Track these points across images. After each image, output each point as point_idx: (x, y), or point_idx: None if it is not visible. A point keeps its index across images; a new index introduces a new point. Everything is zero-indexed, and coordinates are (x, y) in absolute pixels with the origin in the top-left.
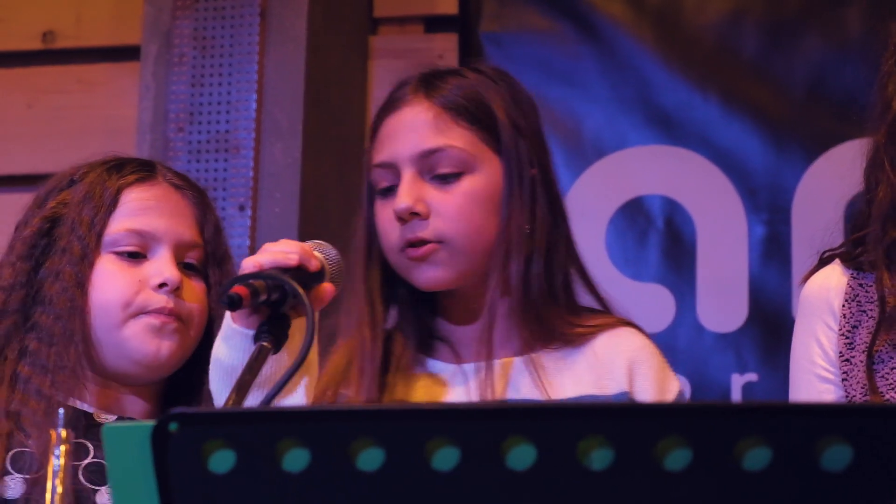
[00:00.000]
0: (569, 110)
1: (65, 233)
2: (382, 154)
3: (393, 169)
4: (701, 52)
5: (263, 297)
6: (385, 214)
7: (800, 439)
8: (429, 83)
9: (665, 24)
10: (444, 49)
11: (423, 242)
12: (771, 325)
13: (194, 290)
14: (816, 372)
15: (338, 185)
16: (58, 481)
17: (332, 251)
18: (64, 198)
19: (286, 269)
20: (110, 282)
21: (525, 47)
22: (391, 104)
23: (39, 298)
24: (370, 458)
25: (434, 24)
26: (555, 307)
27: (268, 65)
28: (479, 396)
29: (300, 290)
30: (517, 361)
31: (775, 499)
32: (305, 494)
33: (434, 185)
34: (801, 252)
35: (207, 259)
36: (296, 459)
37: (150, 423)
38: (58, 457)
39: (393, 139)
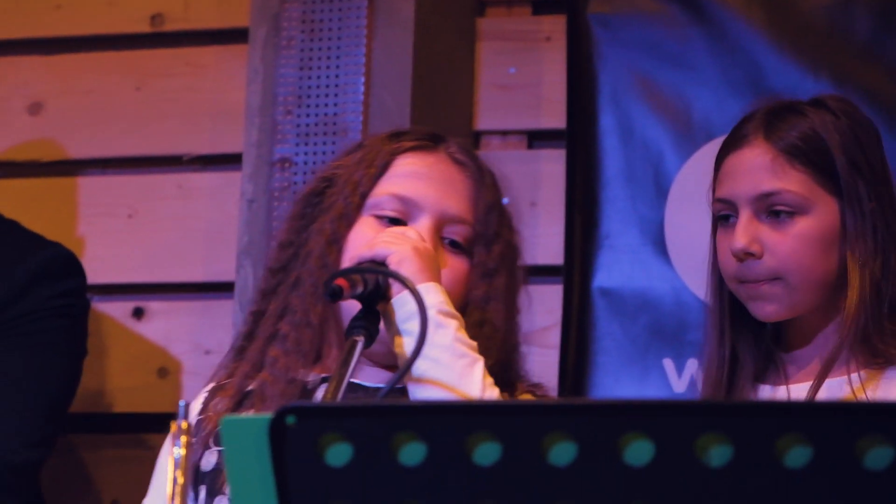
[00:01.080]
0: (678, 93)
1: (335, 192)
2: (723, 190)
3: (731, 205)
4: (813, 34)
5: (360, 289)
6: (724, 244)
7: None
8: (769, 124)
9: (776, 6)
10: (552, 31)
11: (757, 280)
12: None
13: (450, 265)
14: None
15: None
16: (179, 472)
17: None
18: (344, 161)
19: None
20: (361, 244)
21: (634, 29)
22: (735, 142)
23: (303, 255)
24: (487, 453)
25: (542, 5)
26: (881, 331)
27: (375, 48)
28: None
29: (397, 274)
30: (844, 381)
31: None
32: (422, 488)
33: (769, 224)
34: None
35: (475, 238)
36: (412, 453)
37: (268, 416)
38: (179, 446)
39: (733, 178)
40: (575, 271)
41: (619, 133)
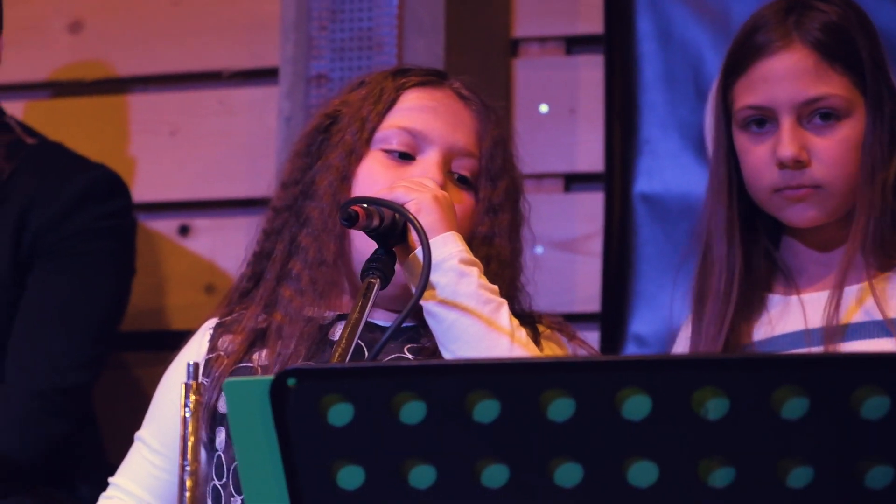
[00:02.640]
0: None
1: (341, 128)
2: (758, 97)
3: (769, 112)
4: None
5: (376, 223)
6: (758, 154)
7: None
8: (798, 23)
9: None
10: None
11: (801, 187)
12: None
13: (459, 202)
14: None
15: (481, 79)
16: (189, 432)
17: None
18: (348, 97)
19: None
20: (371, 178)
21: None
22: (764, 48)
23: (311, 192)
24: (486, 410)
25: None
26: (893, 235)
27: None
28: (824, 323)
29: (415, 220)
30: (858, 288)
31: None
32: (423, 445)
33: (812, 131)
34: None
35: (481, 173)
36: (413, 412)
37: (269, 378)
38: (188, 407)
39: (771, 83)
40: (615, 178)
41: (658, 36)
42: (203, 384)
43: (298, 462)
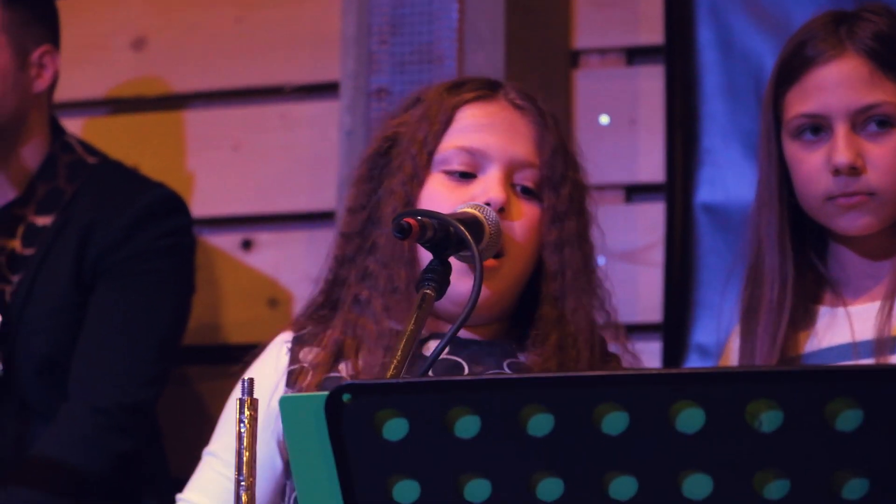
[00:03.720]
0: (778, 1)
1: (400, 152)
2: (812, 105)
3: (823, 120)
4: None
5: (430, 235)
6: (811, 162)
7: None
8: (850, 32)
9: None
10: None
11: (855, 194)
12: None
13: (524, 213)
14: None
15: (544, 90)
16: (245, 446)
17: (493, 214)
18: (405, 118)
19: (462, 221)
20: (434, 201)
21: None
22: (817, 57)
23: (377, 218)
24: (540, 424)
25: None
26: None
27: None
28: (875, 336)
29: (468, 236)
30: None
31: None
32: (478, 459)
33: (866, 138)
34: None
35: (543, 182)
36: (467, 426)
37: (324, 393)
38: (243, 423)
39: (825, 92)
40: (677, 188)
41: (719, 46)
42: (257, 400)
43: (354, 477)
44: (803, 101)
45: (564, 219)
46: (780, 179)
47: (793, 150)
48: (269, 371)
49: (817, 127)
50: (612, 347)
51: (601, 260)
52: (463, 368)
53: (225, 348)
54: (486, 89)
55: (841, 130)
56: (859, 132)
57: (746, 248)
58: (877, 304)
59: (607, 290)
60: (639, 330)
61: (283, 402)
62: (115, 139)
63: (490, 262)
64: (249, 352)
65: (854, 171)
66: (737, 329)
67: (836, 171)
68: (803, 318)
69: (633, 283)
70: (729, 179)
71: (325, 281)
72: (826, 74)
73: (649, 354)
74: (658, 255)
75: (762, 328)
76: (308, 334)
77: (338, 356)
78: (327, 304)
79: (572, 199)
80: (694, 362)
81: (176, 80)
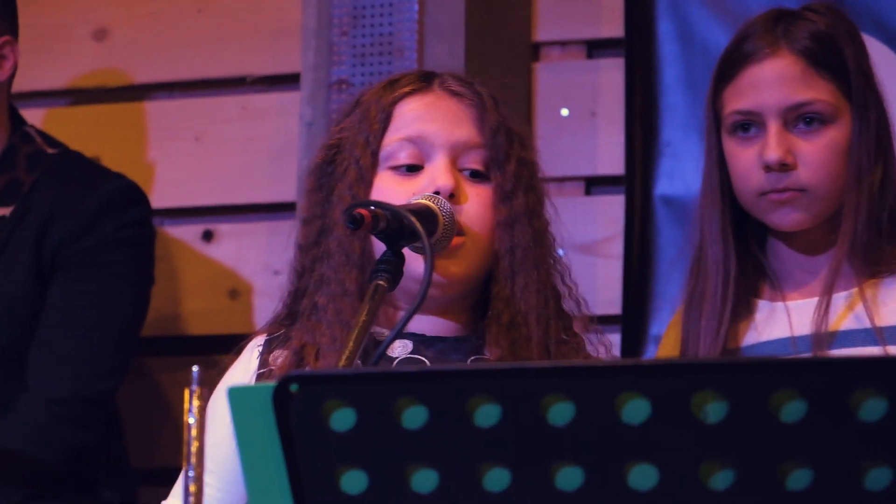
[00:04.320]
0: None
1: (345, 157)
2: (745, 102)
3: (756, 117)
4: None
5: (383, 226)
6: (745, 158)
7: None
8: (787, 31)
9: None
10: None
11: (786, 190)
12: None
13: (476, 196)
14: None
15: (502, 83)
16: (193, 437)
17: (447, 204)
18: (345, 123)
19: (414, 212)
20: (385, 199)
21: None
22: (752, 55)
23: (329, 226)
24: (487, 415)
25: None
26: (881, 241)
27: None
28: (812, 330)
29: (419, 227)
30: (846, 295)
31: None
32: (425, 450)
33: (798, 135)
34: None
35: (490, 163)
36: (415, 417)
37: (272, 384)
38: (192, 413)
39: (758, 89)
40: (636, 180)
41: (679, 39)
42: (206, 390)
43: (302, 467)
44: (738, 99)
45: (513, 197)
46: (721, 174)
47: (729, 146)
48: (240, 374)
49: (751, 124)
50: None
51: (560, 252)
52: (436, 365)
53: (185, 339)
54: (421, 81)
55: (773, 127)
56: (791, 129)
57: (690, 242)
58: (814, 300)
59: (565, 265)
60: (599, 322)
61: (232, 392)
62: (76, 130)
63: (456, 240)
64: (208, 343)
65: (785, 167)
66: (675, 319)
67: (768, 168)
68: (744, 310)
69: (593, 276)
70: (688, 172)
71: (287, 293)
72: (760, 72)
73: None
74: (618, 248)
75: (705, 320)
76: (279, 338)
77: (299, 363)
78: (290, 315)
79: (519, 176)
80: (653, 353)
81: (137, 70)
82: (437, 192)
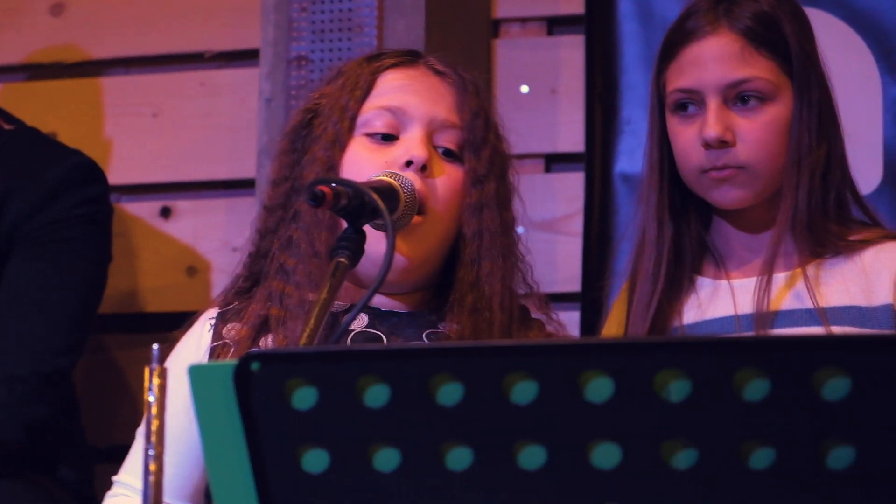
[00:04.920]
0: None
1: (322, 120)
2: (685, 80)
3: (696, 94)
4: None
5: (344, 203)
6: (686, 136)
7: (880, 369)
8: (729, 12)
9: None
10: None
11: (725, 167)
12: None
13: (447, 173)
14: None
15: (465, 60)
16: (153, 415)
17: (409, 182)
18: (326, 90)
19: (376, 189)
20: (357, 164)
21: None
22: (692, 33)
23: (300, 187)
24: (449, 393)
25: None
26: (826, 221)
27: None
28: (754, 309)
29: (381, 205)
30: (789, 275)
31: (855, 428)
32: (388, 428)
33: (738, 112)
34: None
35: (465, 144)
36: (377, 395)
37: (233, 362)
38: (152, 391)
39: (698, 67)
40: (596, 158)
41: (639, 16)
42: (166, 369)
43: (263, 446)
44: (679, 77)
45: (484, 182)
46: (662, 153)
47: (671, 124)
48: (192, 349)
49: (692, 102)
50: (536, 316)
51: (520, 229)
52: (382, 341)
53: (143, 316)
54: (407, 56)
55: (712, 105)
56: (731, 107)
57: (635, 219)
58: (757, 279)
59: (529, 265)
60: (558, 300)
61: (192, 371)
62: (33, 106)
63: (416, 219)
64: (167, 320)
65: (723, 144)
66: (621, 297)
67: (707, 145)
68: (686, 287)
69: (553, 253)
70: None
71: (247, 254)
72: (700, 50)
73: (568, 324)
74: (578, 225)
75: (637, 297)
76: (232, 310)
77: (260, 330)
78: (250, 277)
79: (493, 163)
80: None
81: (94, 46)
82: (409, 163)
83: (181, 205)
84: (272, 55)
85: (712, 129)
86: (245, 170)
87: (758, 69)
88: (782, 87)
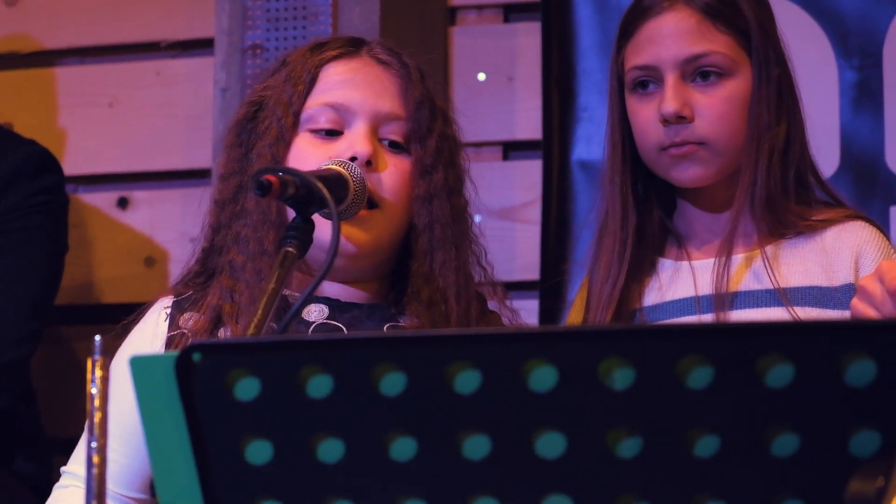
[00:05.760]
0: None
1: (267, 115)
2: (643, 57)
3: (654, 71)
4: None
5: (291, 192)
6: (645, 114)
7: (823, 356)
8: None
9: None
10: None
11: (685, 143)
12: (863, 172)
13: (394, 167)
14: None
15: (419, 46)
16: (96, 407)
17: (358, 170)
18: (270, 82)
19: (324, 178)
20: (301, 160)
21: None
22: (649, 10)
23: (247, 183)
24: (392, 383)
25: None
26: (787, 200)
27: None
28: (713, 290)
29: (326, 194)
30: (749, 255)
31: (799, 415)
32: (331, 419)
33: (696, 88)
34: (893, 97)
35: (411, 135)
36: (320, 386)
37: (174, 353)
38: (94, 383)
39: (655, 43)
40: (554, 145)
41: (595, 3)
42: (108, 360)
43: (206, 438)
44: (637, 54)
45: (432, 171)
46: (623, 134)
47: (630, 103)
48: (148, 338)
49: (650, 80)
50: (492, 305)
51: (477, 217)
52: (342, 333)
53: (100, 308)
54: (350, 46)
55: (670, 80)
56: (689, 82)
57: (598, 203)
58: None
59: (482, 247)
60: (517, 288)
61: (134, 362)
62: None
63: (363, 212)
64: (125, 311)
65: (682, 119)
66: (584, 283)
67: (665, 121)
68: (648, 270)
69: (511, 241)
70: (605, 136)
71: (201, 249)
72: (656, 26)
73: (527, 312)
74: (536, 213)
75: (601, 280)
76: (188, 300)
77: (217, 322)
78: (204, 272)
79: (440, 151)
80: None
81: (49, 35)
82: (354, 158)
83: (138, 195)
84: (227, 44)
85: (670, 104)
86: (201, 159)
87: (715, 44)
88: (741, 63)
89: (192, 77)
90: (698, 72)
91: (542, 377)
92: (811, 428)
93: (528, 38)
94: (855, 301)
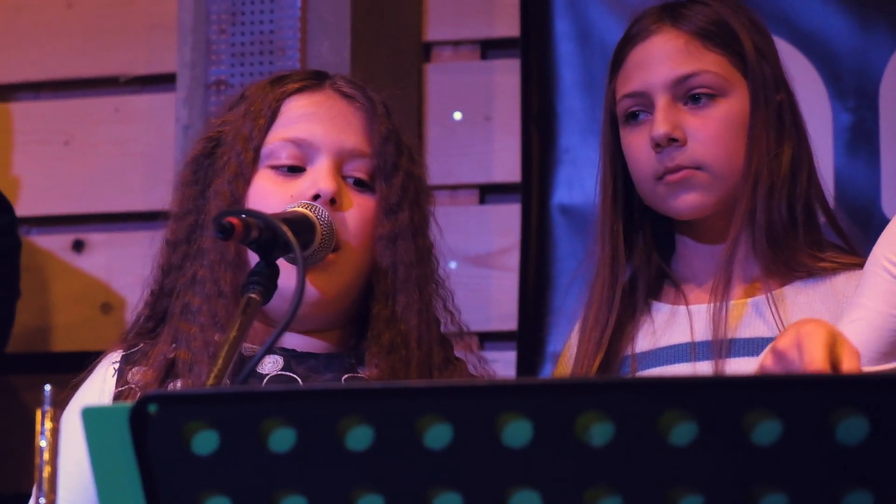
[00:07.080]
0: None
1: (225, 150)
2: (632, 84)
3: (644, 98)
4: None
5: (255, 235)
6: (637, 143)
7: (812, 412)
8: (674, 12)
9: None
10: None
11: (680, 168)
12: (857, 218)
13: (357, 205)
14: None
15: (392, 82)
16: (45, 461)
17: (326, 213)
18: (228, 116)
19: (290, 221)
20: (262, 198)
21: None
22: (637, 36)
23: (203, 222)
24: (359, 437)
25: None
26: (795, 238)
27: None
28: (712, 335)
29: (291, 238)
30: (753, 300)
31: (787, 473)
32: (294, 474)
33: (688, 111)
34: (890, 140)
35: (376, 172)
36: (282, 439)
37: (129, 404)
38: (44, 435)
39: (643, 68)
40: (533, 188)
41: (576, 38)
42: (60, 411)
43: (162, 493)
44: (626, 82)
45: (398, 211)
46: (614, 173)
47: (624, 136)
48: (95, 394)
49: (642, 109)
50: (459, 352)
51: (453, 264)
52: (305, 384)
53: (54, 356)
54: (312, 79)
55: (660, 103)
56: (682, 105)
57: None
58: (717, 304)
59: (449, 290)
60: (493, 338)
61: (86, 413)
62: None
63: (330, 257)
64: (79, 360)
65: (674, 142)
66: (575, 331)
67: (657, 146)
68: (642, 314)
69: (488, 289)
70: (587, 179)
71: (150, 292)
72: (643, 51)
73: (504, 363)
74: (514, 260)
75: (589, 327)
76: (138, 353)
77: (168, 374)
78: (153, 316)
79: (405, 189)
80: (550, 371)
81: (2, 69)
82: (317, 196)
83: (94, 237)
84: (189, 79)
85: (660, 127)
86: (162, 200)
87: (705, 63)
88: (735, 84)
89: (153, 114)
90: (690, 94)
91: (517, 432)
92: (800, 488)
93: (506, 75)
94: (768, 363)
